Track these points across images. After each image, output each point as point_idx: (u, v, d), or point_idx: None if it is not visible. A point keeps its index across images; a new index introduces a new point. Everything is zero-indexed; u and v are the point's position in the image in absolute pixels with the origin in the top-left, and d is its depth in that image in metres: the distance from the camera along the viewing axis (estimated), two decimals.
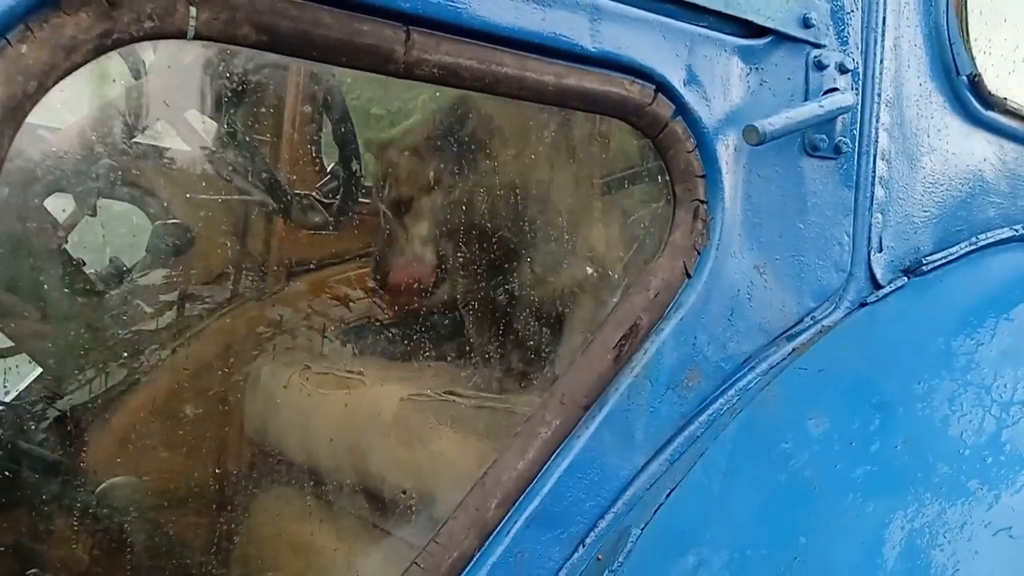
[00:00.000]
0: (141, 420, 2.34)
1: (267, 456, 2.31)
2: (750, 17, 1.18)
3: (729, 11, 1.16)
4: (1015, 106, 1.57)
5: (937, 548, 0.90)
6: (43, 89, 0.76)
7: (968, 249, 1.48)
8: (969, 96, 1.47)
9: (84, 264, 1.69)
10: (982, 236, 1.52)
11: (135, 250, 2.29)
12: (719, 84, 1.17)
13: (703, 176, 1.17)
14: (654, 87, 1.11)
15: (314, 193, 2.08)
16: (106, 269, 1.73)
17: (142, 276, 2.06)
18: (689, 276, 1.16)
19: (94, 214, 1.73)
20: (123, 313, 2.10)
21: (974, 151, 1.53)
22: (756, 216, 1.22)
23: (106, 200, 2.06)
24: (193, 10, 0.82)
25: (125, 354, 2.24)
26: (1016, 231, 1.59)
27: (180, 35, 0.82)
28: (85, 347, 1.96)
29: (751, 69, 1.20)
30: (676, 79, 1.13)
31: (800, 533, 0.97)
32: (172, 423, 2.35)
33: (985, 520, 0.90)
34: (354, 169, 2.10)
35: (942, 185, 1.47)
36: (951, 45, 1.43)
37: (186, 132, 2.26)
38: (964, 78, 1.46)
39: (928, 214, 1.45)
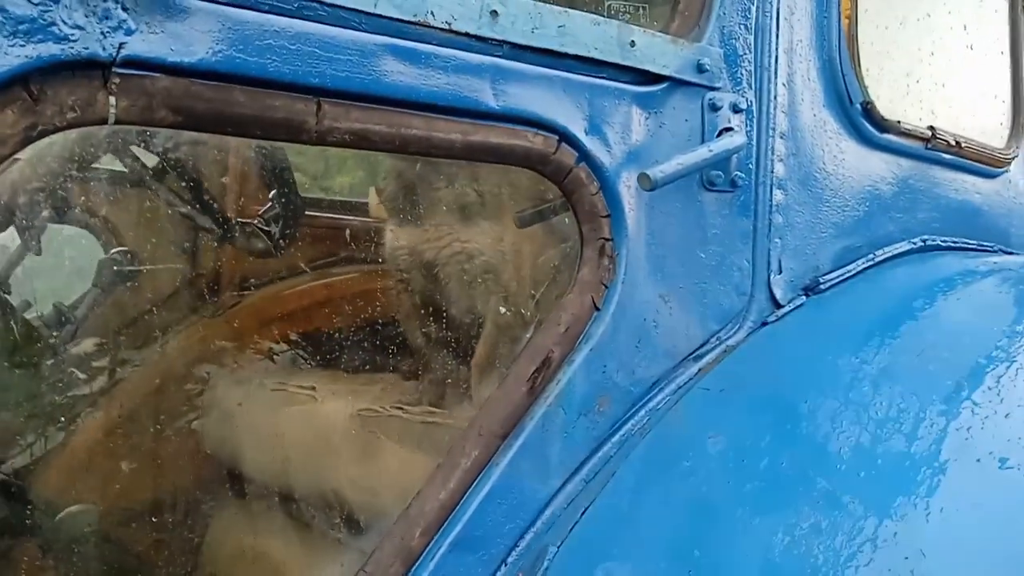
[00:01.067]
0: (98, 444, 2.39)
1: (225, 473, 2.37)
2: (646, 67, 1.27)
3: (626, 63, 1.25)
4: (909, 127, 1.68)
5: (812, 558, 1.00)
6: None
7: (865, 265, 1.59)
8: (863, 122, 1.59)
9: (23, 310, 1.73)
10: (880, 252, 1.63)
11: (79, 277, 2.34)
12: (619, 130, 1.26)
13: (607, 216, 1.26)
14: (557, 137, 1.20)
15: (256, 221, 2.14)
16: (49, 315, 1.78)
17: (91, 310, 2.10)
18: (598, 309, 1.26)
19: (39, 252, 1.77)
20: (73, 345, 2.15)
21: (871, 171, 1.64)
22: (660, 249, 1.32)
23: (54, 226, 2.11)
24: (112, 99, 0.89)
25: (76, 388, 2.29)
26: (914, 243, 1.71)
27: (102, 122, 0.89)
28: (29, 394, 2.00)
29: (649, 114, 1.29)
30: (577, 128, 1.22)
31: (695, 547, 1.08)
32: (130, 444, 2.41)
33: (853, 532, 1.01)
34: (292, 196, 2.17)
35: (840, 206, 1.58)
36: (843, 76, 1.54)
37: (130, 159, 2.30)
38: (858, 106, 1.57)
39: (826, 234, 1.56)
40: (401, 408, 2.07)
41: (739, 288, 1.42)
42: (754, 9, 1.40)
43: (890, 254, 1.64)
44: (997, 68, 2.06)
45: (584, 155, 1.23)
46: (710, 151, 1.26)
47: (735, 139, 1.31)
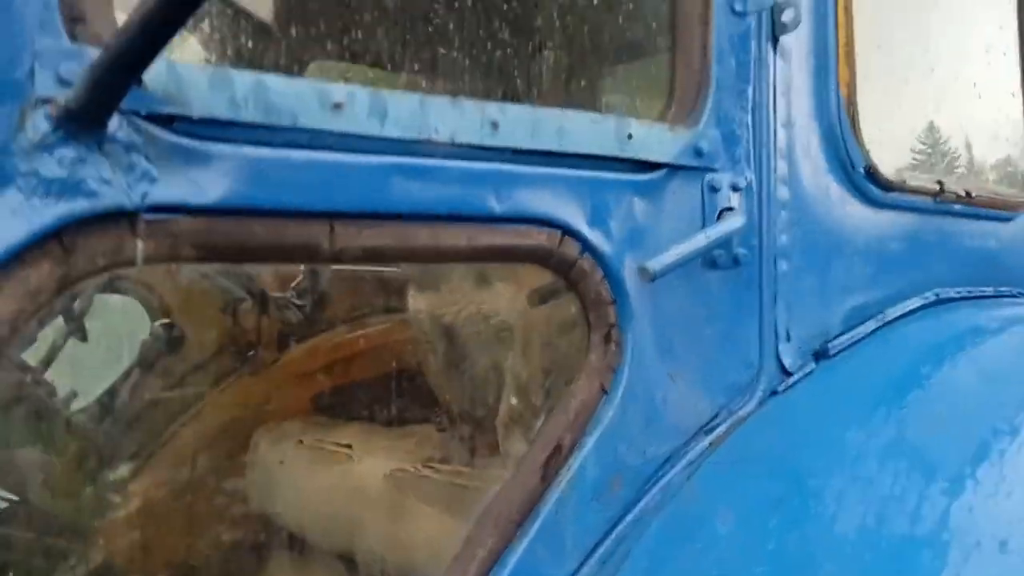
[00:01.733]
0: (151, 498, 2.51)
1: (271, 529, 2.46)
2: (643, 157, 1.32)
3: (625, 155, 1.31)
4: (915, 184, 1.71)
5: None
6: (16, 332, 0.91)
7: (876, 326, 1.62)
8: (868, 185, 1.62)
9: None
10: (891, 310, 1.66)
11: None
12: (620, 219, 1.31)
13: (613, 302, 1.31)
14: (560, 232, 1.26)
15: (289, 294, 2.23)
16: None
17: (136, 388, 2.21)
18: (606, 393, 1.30)
19: (84, 339, 1.88)
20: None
21: (878, 231, 1.67)
22: (666, 329, 1.36)
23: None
24: (140, 243, 0.97)
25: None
26: (926, 298, 1.73)
27: (130, 264, 0.97)
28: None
29: (650, 200, 1.34)
30: (579, 222, 1.27)
31: None
32: (181, 500, 2.51)
33: None
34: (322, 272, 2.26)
35: (848, 268, 1.61)
36: (844, 144, 1.57)
37: None
38: (860, 171, 1.60)
39: (835, 297, 1.59)
40: (432, 467, 2.13)
41: (747, 360, 1.45)
42: (750, 89, 1.44)
43: (901, 312, 1.67)
44: (1009, 110, 2.07)
45: (587, 246, 1.28)
46: (707, 238, 1.30)
47: (732, 222, 1.35)
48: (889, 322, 1.63)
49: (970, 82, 1.96)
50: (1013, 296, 1.93)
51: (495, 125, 1.19)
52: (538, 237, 1.24)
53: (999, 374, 1.45)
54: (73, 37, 0.91)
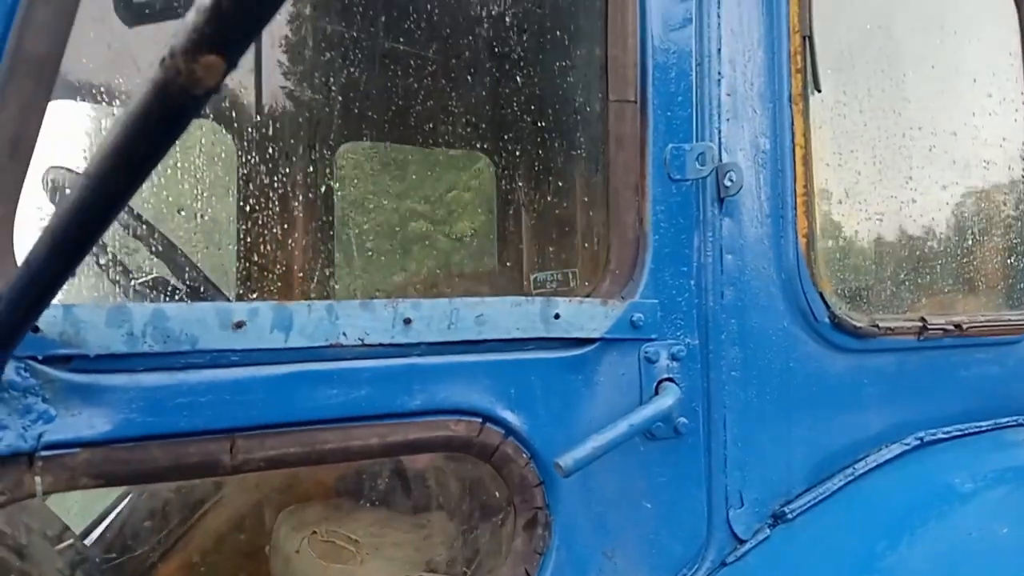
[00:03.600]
0: None
1: None
2: (573, 335, 1.31)
3: (551, 335, 1.30)
4: (889, 325, 1.63)
5: None
6: None
7: (844, 481, 1.54)
8: (835, 333, 1.55)
9: None
10: (863, 461, 1.58)
11: None
12: (547, 398, 1.30)
13: (540, 484, 1.30)
14: (479, 419, 1.26)
15: None
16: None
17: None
18: None
19: None
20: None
21: (851, 377, 1.60)
22: (600, 507, 1.34)
23: None
24: (38, 479, 1.02)
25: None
26: (907, 444, 1.64)
27: (31, 496, 1.02)
28: None
29: (580, 377, 1.33)
30: (501, 407, 1.27)
31: None
32: None
33: None
34: None
35: (814, 421, 1.55)
36: (805, 295, 1.52)
37: None
38: (825, 321, 1.54)
39: (798, 454, 1.53)
40: (433, 572, 2.14)
41: (693, 531, 1.41)
42: (693, 253, 1.41)
43: (877, 462, 1.59)
44: (1010, 227, 1.95)
45: (510, 431, 1.27)
46: (630, 425, 1.27)
47: (663, 401, 1.32)
48: (859, 476, 1.56)
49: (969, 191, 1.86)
50: (1018, 425, 1.81)
51: (408, 322, 1.20)
52: (456, 427, 1.24)
53: (969, 552, 1.37)
54: None
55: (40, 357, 1.01)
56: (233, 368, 1.11)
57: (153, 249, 1.97)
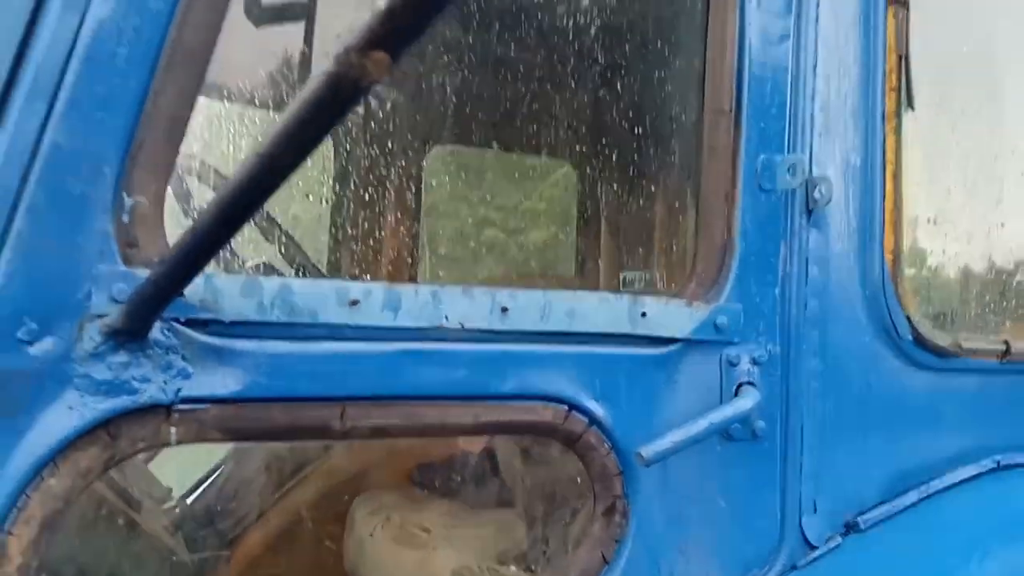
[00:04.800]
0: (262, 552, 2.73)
1: None
2: (658, 333, 1.37)
3: (637, 332, 1.36)
4: (970, 345, 1.64)
5: None
6: (69, 504, 1.09)
7: (919, 497, 1.56)
8: (917, 351, 1.57)
9: None
10: (939, 480, 1.59)
11: None
12: (630, 393, 1.36)
13: (620, 473, 1.36)
14: (566, 407, 1.33)
15: None
16: None
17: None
18: (607, 561, 1.35)
19: None
20: None
21: (930, 396, 1.62)
22: (676, 502, 1.39)
23: None
24: (173, 429, 1.13)
25: None
26: (983, 466, 1.65)
27: (164, 446, 1.14)
28: None
29: (663, 375, 1.39)
30: (586, 397, 1.34)
31: None
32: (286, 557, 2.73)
33: None
34: None
35: (891, 436, 1.57)
36: (889, 312, 1.54)
37: None
38: (908, 338, 1.56)
39: (874, 465, 1.55)
40: (496, 570, 2.21)
41: (765, 534, 1.45)
42: (779, 262, 1.46)
43: (952, 481, 1.60)
44: None
45: (593, 420, 1.34)
46: (710, 423, 1.32)
47: (741, 404, 1.37)
48: (934, 493, 1.57)
49: None
50: None
51: (505, 310, 1.28)
52: (543, 413, 1.32)
53: None
54: (127, 261, 1.10)
55: (182, 319, 1.12)
56: (347, 342, 1.21)
57: (270, 237, 2.11)
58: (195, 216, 0.95)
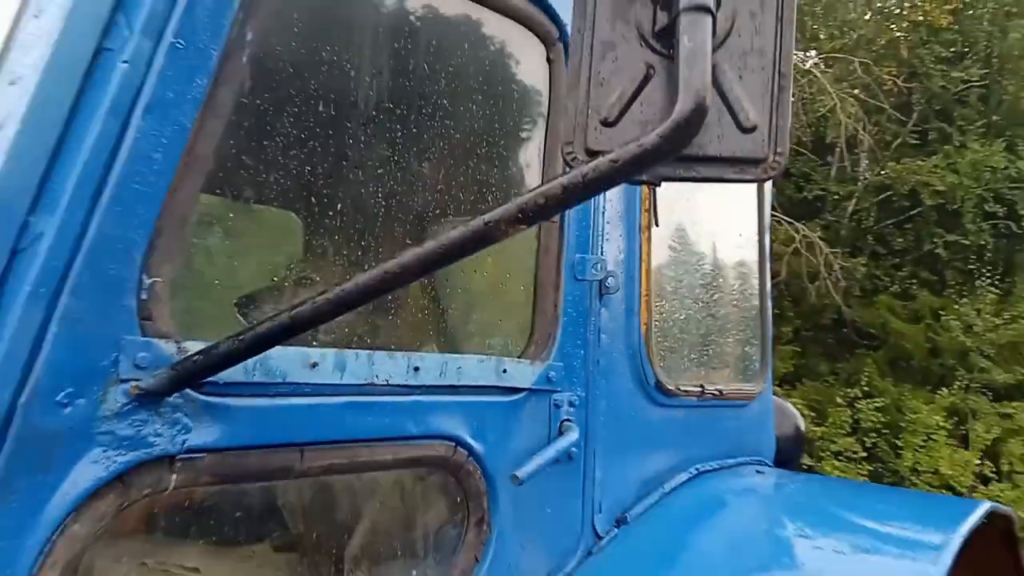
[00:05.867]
0: None
1: None
2: (513, 385, 1.85)
3: (501, 384, 1.82)
4: (687, 388, 2.37)
5: None
6: (86, 547, 1.22)
7: (657, 497, 2.23)
8: (656, 393, 2.25)
9: None
10: (666, 484, 2.28)
11: None
12: (494, 431, 1.81)
13: (486, 493, 1.79)
14: (453, 443, 1.73)
15: None
16: None
17: None
18: (478, 561, 1.78)
19: None
20: None
21: (661, 425, 2.30)
22: (519, 512, 1.87)
23: None
24: (174, 477, 1.32)
25: None
26: (690, 473, 2.38)
27: (163, 492, 1.32)
28: None
29: (515, 415, 1.86)
30: (466, 435, 1.75)
31: None
32: None
33: None
34: None
35: (640, 455, 2.22)
36: (642, 365, 2.20)
37: None
38: (652, 383, 2.23)
39: (631, 477, 2.18)
40: None
41: (572, 530, 1.99)
42: (584, 331, 2.03)
43: (673, 485, 2.30)
44: (753, 324, 2.86)
45: (471, 453, 1.76)
46: (556, 450, 1.84)
47: (571, 436, 1.90)
48: (666, 494, 2.26)
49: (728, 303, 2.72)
50: (753, 463, 2.66)
51: (416, 369, 1.66)
52: (439, 449, 1.71)
53: (734, 538, 2.11)
54: (143, 333, 1.28)
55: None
56: (307, 397, 1.49)
57: None
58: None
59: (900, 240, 15.84)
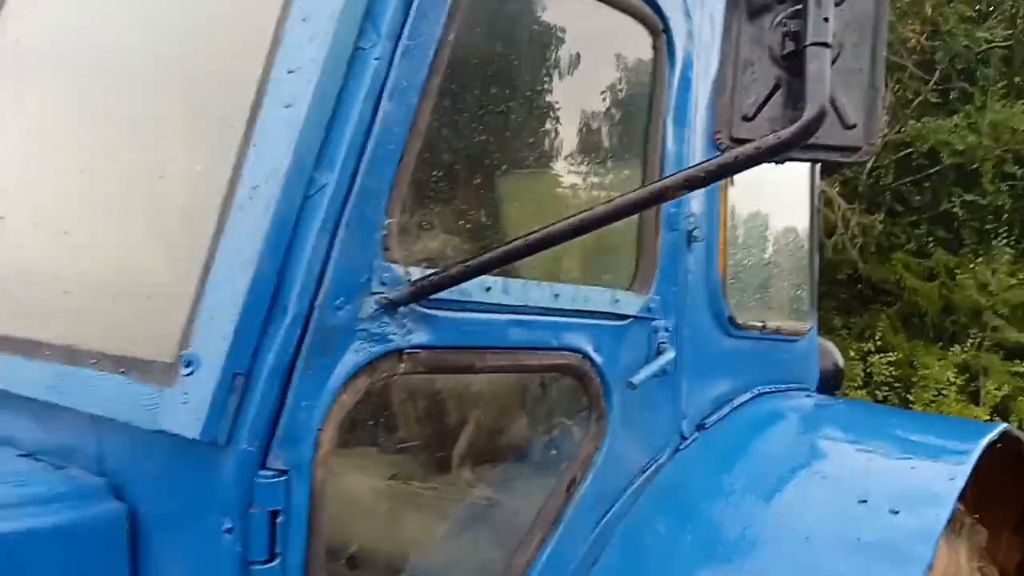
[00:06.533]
0: None
1: None
2: (623, 312, 2.30)
3: (613, 311, 2.28)
4: (752, 323, 2.83)
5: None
6: (349, 417, 1.70)
7: (727, 411, 2.70)
8: (729, 326, 2.71)
9: None
10: (734, 401, 2.76)
11: None
12: (610, 348, 2.27)
13: (603, 397, 2.26)
14: (581, 355, 2.20)
15: None
16: None
17: None
18: (597, 448, 2.25)
19: None
20: None
21: (733, 354, 2.77)
22: (628, 413, 2.34)
23: None
24: (401, 366, 1.78)
25: None
26: (752, 393, 2.85)
27: (394, 377, 1.79)
28: None
29: (625, 337, 2.32)
30: (591, 350, 2.22)
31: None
32: None
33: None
34: None
35: (715, 375, 2.69)
36: (719, 302, 2.65)
37: None
38: (726, 318, 2.69)
39: (708, 393, 2.66)
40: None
41: (664, 432, 2.47)
42: (677, 272, 2.48)
43: (739, 402, 2.77)
44: (803, 273, 3.31)
45: (593, 364, 2.23)
46: (659, 365, 2.30)
47: (668, 355, 2.36)
48: (734, 408, 2.73)
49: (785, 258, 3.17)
50: (801, 390, 3.13)
51: (557, 296, 2.11)
52: (571, 359, 2.18)
53: (789, 442, 2.59)
54: (385, 260, 1.73)
55: None
56: (483, 313, 1.95)
57: None
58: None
59: (918, 198, 16.06)
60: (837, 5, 1.50)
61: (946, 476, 2.27)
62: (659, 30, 2.36)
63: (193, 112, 1.98)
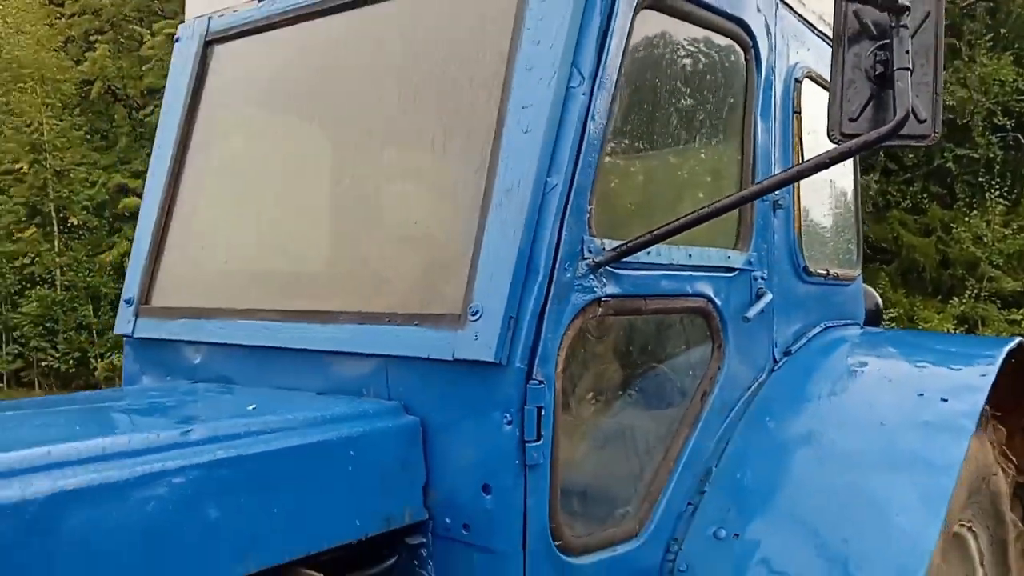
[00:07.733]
0: None
1: None
2: (731, 266, 3.01)
3: (726, 264, 2.99)
4: (819, 271, 3.56)
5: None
6: (575, 349, 2.41)
7: (805, 341, 3.44)
8: (803, 274, 3.43)
9: None
10: (810, 333, 3.49)
11: None
12: (726, 294, 2.98)
13: (722, 331, 2.98)
14: (706, 300, 2.91)
15: None
16: None
17: None
18: (720, 368, 2.98)
19: None
20: None
21: (806, 296, 3.49)
22: (740, 341, 3.06)
23: None
24: (599, 310, 2.50)
25: None
26: (821, 327, 3.59)
27: (595, 318, 2.50)
28: None
29: (735, 285, 3.03)
30: (712, 295, 2.93)
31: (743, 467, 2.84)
32: None
33: (821, 457, 2.81)
34: None
35: (793, 312, 3.42)
36: (797, 253, 3.37)
37: None
38: (801, 267, 3.41)
39: (791, 329, 3.39)
40: None
41: (763, 356, 3.20)
42: (766, 233, 3.19)
43: (814, 333, 3.51)
44: (852, 228, 4.04)
45: (715, 306, 2.95)
46: (762, 304, 3.03)
47: (767, 298, 3.09)
48: (810, 339, 3.46)
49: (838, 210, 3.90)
50: (855, 324, 3.88)
51: (690, 255, 2.82)
52: (699, 302, 2.89)
53: (855, 358, 3.34)
54: (590, 235, 2.43)
55: None
56: (649, 270, 2.66)
57: None
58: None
59: (911, 156, 16.69)
60: (912, 38, 2.21)
61: (979, 374, 3.01)
62: (749, 46, 3.06)
63: (445, 140, 2.69)
